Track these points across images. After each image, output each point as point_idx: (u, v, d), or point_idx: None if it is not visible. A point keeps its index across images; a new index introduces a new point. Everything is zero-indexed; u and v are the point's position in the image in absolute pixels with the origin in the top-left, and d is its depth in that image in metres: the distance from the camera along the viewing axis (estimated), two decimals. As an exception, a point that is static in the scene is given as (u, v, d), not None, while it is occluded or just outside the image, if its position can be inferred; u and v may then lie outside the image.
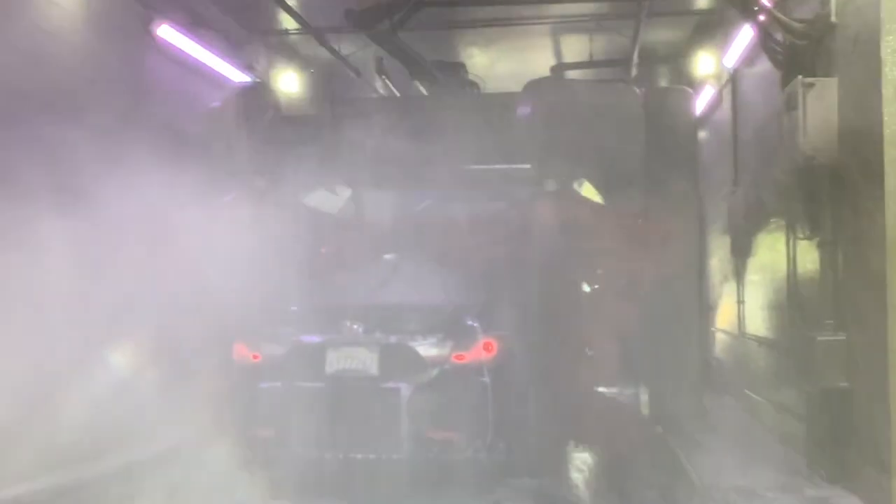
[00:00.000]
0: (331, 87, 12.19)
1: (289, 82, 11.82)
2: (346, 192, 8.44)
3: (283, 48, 11.55)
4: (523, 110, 7.80)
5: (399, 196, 8.26)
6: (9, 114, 6.81)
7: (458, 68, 9.48)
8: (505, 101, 8.05)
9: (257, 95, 8.79)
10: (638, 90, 8.37)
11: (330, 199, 8.40)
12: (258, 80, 10.21)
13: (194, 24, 9.70)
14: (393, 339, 6.56)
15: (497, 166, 7.99)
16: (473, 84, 9.72)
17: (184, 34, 9.41)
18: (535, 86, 8.08)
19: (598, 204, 7.94)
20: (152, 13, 9.03)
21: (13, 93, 6.90)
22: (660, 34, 11.33)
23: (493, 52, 10.96)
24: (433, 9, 8.94)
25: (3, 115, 6.76)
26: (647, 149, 7.63)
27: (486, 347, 6.58)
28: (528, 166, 7.87)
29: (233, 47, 10.35)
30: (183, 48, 9.48)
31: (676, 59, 11.99)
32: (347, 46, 11.09)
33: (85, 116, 7.47)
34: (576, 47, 11.49)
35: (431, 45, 9.07)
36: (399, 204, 8.15)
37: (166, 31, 9.17)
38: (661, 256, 7.23)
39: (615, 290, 7.51)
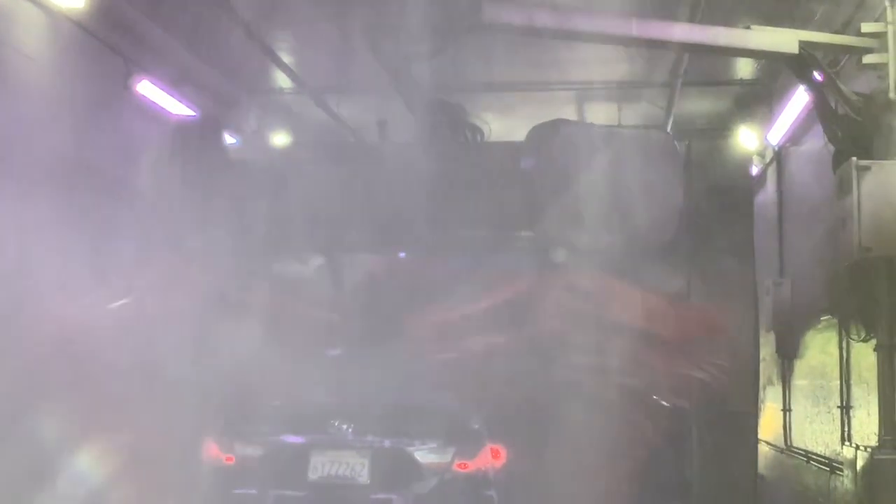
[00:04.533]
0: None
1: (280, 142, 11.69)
2: (314, 259, 8.07)
3: (277, 108, 11.68)
4: (527, 162, 7.26)
5: (384, 265, 7.89)
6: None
7: (457, 110, 8.96)
8: (510, 152, 7.52)
9: (201, 132, 8.14)
10: (678, 142, 7.63)
11: (295, 265, 8.06)
12: (204, 112, 9.49)
13: (180, 81, 9.80)
14: (386, 442, 6.49)
15: (498, 231, 7.42)
16: (477, 130, 9.17)
17: (166, 91, 9.54)
18: (541, 131, 7.41)
19: (624, 282, 7.29)
20: (133, 67, 9.15)
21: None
22: (696, 105, 11.44)
23: (511, 119, 10.80)
24: (447, 66, 8.55)
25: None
26: (688, 215, 7.06)
27: (493, 454, 6.49)
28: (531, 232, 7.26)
29: (221, 106, 10.43)
30: (164, 105, 9.59)
31: (715, 132, 11.84)
32: (347, 107, 11.19)
33: (38, 171, 7.53)
34: (603, 117, 11.48)
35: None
36: (385, 275, 7.80)
37: (146, 87, 9.30)
38: (708, 351, 6.83)
39: (648, 391, 7.15)
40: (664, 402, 7.09)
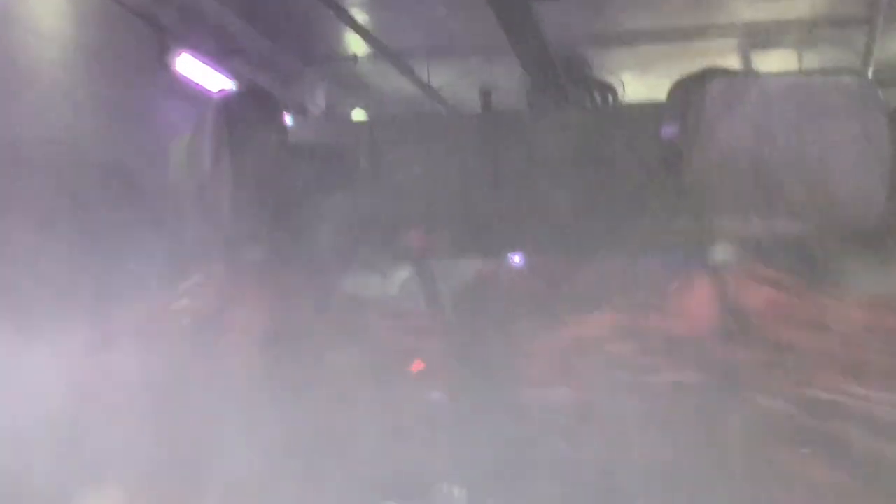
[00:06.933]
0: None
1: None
2: (400, 271, 6.77)
3: (349, 79, 10.50)
4: (669, 127, 5.96)
5: (491, 274, 6.53)
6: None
7: (583, 65, 8.29)
8: (649, 115, 6.27)
9: (253, 111, 7.06)
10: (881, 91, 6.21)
11: (377, 279, 6.80)
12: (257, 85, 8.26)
13: (229, 54, 8.82)
14: (510, 510, 4.86)
15: (639, 223, 6.21)
16: (608, 89, 8.44)
17: (211, 66, 8.54)
18: (687, 85, 6.27)
19: (817, 284, 5.78)
20: (169, 41, 8.25)
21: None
22: (905, 45, 9.53)
23: (653, 79, 9.26)
24: (570, 17, 7.81)
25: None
26: None
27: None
28: (681, 221, 6.01)
29: (279, 80, 9.44)
30: (209, 84, 8.52)
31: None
32: (438, 75, 9.94)
33: (59, 168, 6.26)
34: (777, 67, 9.92)
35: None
36: (494, 287, 6.37)
37: (187, 63, 8.33)
38: None
39: (855, 430, 5.30)
40: (876, 443, 5.12)
